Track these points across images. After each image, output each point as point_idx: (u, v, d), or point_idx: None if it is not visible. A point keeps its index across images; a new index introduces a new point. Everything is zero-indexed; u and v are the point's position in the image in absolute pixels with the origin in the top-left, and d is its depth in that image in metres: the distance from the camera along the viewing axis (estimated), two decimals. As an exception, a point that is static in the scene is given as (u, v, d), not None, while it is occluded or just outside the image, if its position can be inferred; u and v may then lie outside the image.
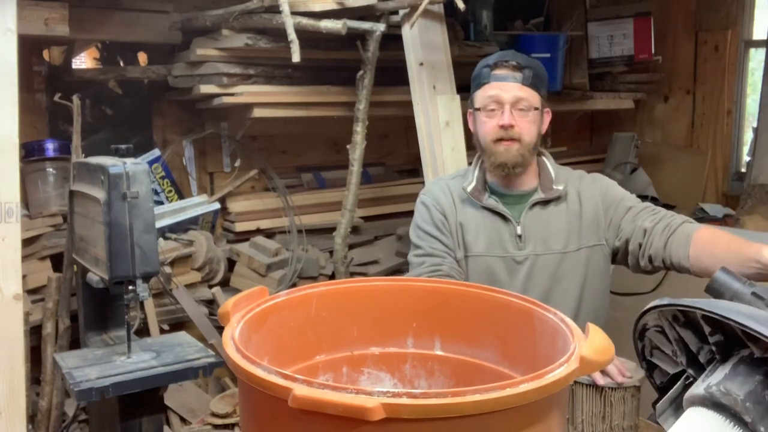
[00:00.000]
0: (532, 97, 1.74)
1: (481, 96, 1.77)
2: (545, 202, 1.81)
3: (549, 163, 1.86)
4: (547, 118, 1.83)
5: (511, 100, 1.73)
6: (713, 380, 0.94)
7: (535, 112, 1.76)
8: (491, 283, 1.70)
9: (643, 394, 1.40)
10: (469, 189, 1.82)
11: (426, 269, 1.76)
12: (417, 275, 1.75)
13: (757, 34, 3.95)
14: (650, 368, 1.14)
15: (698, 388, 0.95)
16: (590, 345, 0.92)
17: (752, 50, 4.00)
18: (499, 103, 1.74)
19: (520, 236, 1.80)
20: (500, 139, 1.74)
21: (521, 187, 1.84)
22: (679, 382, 1.07)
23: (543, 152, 1.87)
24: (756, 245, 1.43)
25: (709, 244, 1.60)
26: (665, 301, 1.02)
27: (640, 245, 1.73)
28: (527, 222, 1.80)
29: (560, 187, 1.80)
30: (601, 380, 1.37)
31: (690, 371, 1.05)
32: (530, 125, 1.75)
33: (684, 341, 1.05)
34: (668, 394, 1.08)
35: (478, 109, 1.78)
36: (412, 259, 1.85)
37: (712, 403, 0.92)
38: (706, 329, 0.99)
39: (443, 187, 1.88)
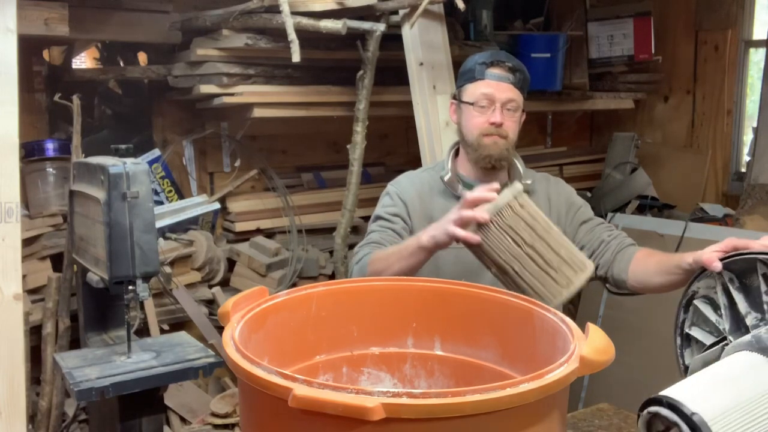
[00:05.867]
0: (520, 99, 1.83)
1: (473, 91, 1.83)
2: None
3: (518, 161, 1.93)
4: (523, 118, 1.92)
5: (503, 99, 1.80)
6: (762, 331, 1.06)
7: (521, 114, 1.85)
8: (464, 274, 1.73)
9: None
10: (446, 179, 1.88)
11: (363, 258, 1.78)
12: (356, 263, 1.78)
13: (757, 34, 3.95)
14: (682, 346, 1.25)
15: (745, 338, 1.07)
16: (590, 345, 0.92)
17: (752, 50, 4.00)
18: (491, 101, 1.80)
19: None
20: (489, 134, 1.81)
21: (494, 180, 1.87)
22: (717, 346, 1.17)
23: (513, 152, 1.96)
24: (679, 255, 1.56)
25: (645, 260, 1.75)
26: (731, 255, 1.18)
27: (593, 253, 1.83)
28: None
29: (528, 182, 1.88)
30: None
31: (731, 338, 1.15)
32: (515, 125, 1.84)
33: (734, 306, 1.16)
34: (703, 354, 1.18)
35: (469, 103, 1.83)
36: (355, 249, 1.85)
37: (759, 348, 1.03)
38: (764, 287, 1.12)
39: (413, 179, 1.93)
